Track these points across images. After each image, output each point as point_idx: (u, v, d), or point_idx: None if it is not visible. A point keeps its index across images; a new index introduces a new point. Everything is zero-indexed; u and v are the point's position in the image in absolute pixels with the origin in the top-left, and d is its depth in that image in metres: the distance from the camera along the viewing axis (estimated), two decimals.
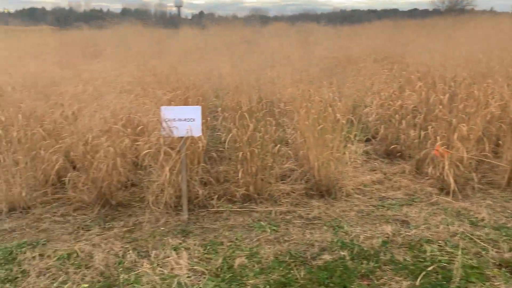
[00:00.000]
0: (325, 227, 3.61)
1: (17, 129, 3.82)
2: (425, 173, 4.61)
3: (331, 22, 20.44)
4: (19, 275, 2.97)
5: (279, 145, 4.07)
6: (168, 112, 3.61)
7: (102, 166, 3.63)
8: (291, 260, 3.12)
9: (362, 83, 5.07)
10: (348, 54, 7.52)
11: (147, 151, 3.62)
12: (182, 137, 3.66)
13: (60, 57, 5.41)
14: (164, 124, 3.61)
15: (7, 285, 2.86)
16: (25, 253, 3.24)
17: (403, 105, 5.13)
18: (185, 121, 3.65)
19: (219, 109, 4.03)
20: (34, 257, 3.16)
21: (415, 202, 4.11)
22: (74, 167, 4.09)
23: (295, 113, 4.23)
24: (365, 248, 3.26)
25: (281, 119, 4.39)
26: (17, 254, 3.23)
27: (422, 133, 4.69)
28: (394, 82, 5.38)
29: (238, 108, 3.87)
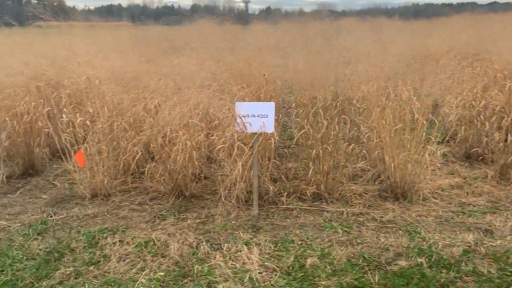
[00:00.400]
0: (400, 232, 3.47)
1: (102, 121, 4.05)
2: (511, 180, 4.28)
3: (404, 16, 19.60)
4: (101, 259, 3.15)
5: (353, 144, 3.96)
6: (243, 108, 3.64)
7: (179, 158, 3.74)
8: (365, 264, 3.03)
9: (442, 81, 4.78)
10: (426, 50, 7.15)
11: (222, 146, 3.67)
12: (255, 133, 3.68)
13: (141, 52, 5.66)
14: (238, 120, 3.64)
15: (91, 267, 3.04)
16: (106, 238, 3.43)
17: (488, 106, 4.78)
18: (258, 117, 3.66)
19: (293, 104, 3.98)
20: (114, 243, 3.34)
21: (500, 210, 3.82)
22: (152, 158, 4.27)
23: (371, 111, 4.10)
24: (445, 257, 3.08)
25: (356, 117, 4.27)
26: (99, 239, 3.43)
27: (510, 137, 4.35)
28: (477, 81, 5.02)
29: (312, 105, 3.81)
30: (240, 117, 3.63)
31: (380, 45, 5.82)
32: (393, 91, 4.04)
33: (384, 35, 7.79)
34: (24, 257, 3.17)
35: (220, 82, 4.31)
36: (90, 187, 4.18)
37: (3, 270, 3.01)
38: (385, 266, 3.00)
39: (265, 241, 3.35)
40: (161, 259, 3.13)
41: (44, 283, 2.87)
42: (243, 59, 4.66)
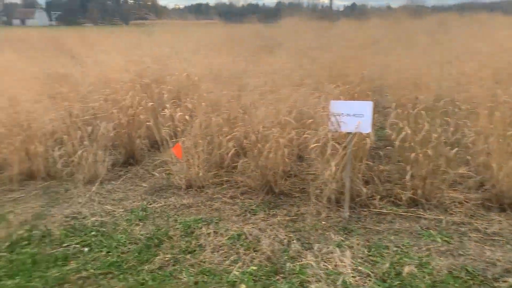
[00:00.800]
0: (508, 246, 3.18)
1: (199, 116, 4.21)
2: None
3: (508, 11, 17.96)
4: (197, 249, 3.28)
5: (456, 149, 3.70)
6: (338, 107, 3.57)
7: (271, 155, 3.77)
8: (468, 277, 2.82)
9: None
10: None
11: (315, 144, 3.64)
12: (349, 133, 3.59)
13: (235, 51, 5.80)
14: (332, 119, 3.58)
15: (188, 256, 3.18)
16: (201, 228, 3.57)
17: None
18: (354, 116, 3.56)
19: (393, 104, 3.82)
20: (209, 234, 3.46)
21: None
22: (244, 154, 4.36)
23: (478, 114, 3.80)
24: None
25: (461, 120, 3.99)
26: (194, 228, 3.58)
27: None
28: None
29: (413, 105, 3.62)
30: (334, 116, 3.56)
31: (488, 41, 5.36)
32: (504, 93, 3.70)
33: (486, 30, 7.20)
34: (128, 241, 3.40)
35: (315, 80, 4.27)
36: (185, 178, 4.38)
37: (109, 252, 3.26)
38: (492, 282, 2.77)
39: (358, 244, 3.26)
40: (254, 253, 3.18)
41: (145, 267, 3.06)
42: (338, 57, 4.57)
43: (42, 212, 3.93)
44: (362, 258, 3.09)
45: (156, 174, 4.72)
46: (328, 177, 3.67)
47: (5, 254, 3.22)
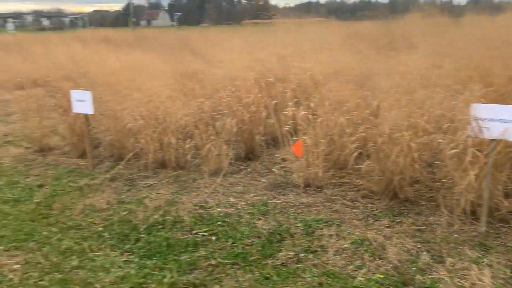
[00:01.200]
0: None
1: (322, 115, 4.18)
2: None
3: None
4: (319, 249, 3.25)
5: None
6: (481, 110, 3.25)
7: (399, 159, 3.58)
8: None
9: None
10: None
11: (453, 151, 3.36)
12: (493, 140, 3.25)
13: (358, 49, 5.66)
14: (473, 123, 3.27)
15: (310, 255, 3.17)
16: (322, 229, 3.54)
17: None
18: (499, 122, 3.21)
19: None
20: (331, 236, 3.41)
21: None
22: (367, 156, 4.22)
23: None
24: None
25: None
26: (315, 228, 3.55)
27: None
28: None
29: None
30: (476, 121, 3.26)
31: None
32: None
33: None
34: (251, 234, 3.50)
35: (454, 80, 3.96)
36: (304, 177, 4.38)
37: (235, 243, 3.39)
38: None
39: (498, 263, 2.95)
40: (379, 261, 3.05)
41: (269, 261, 3.11)
42: (477, 56, 4.18)
43: (173, 199, 4.23)
44: (504, 279, 2.78)
45: (275, 171, 4.79)
46: (465, 187, 3.37)
47: (143, 235, 3.53)
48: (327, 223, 3.63)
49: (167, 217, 3.82)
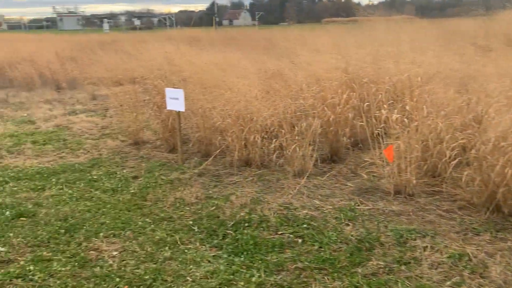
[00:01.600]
0: None
1: (419, 119, 3.96)
2: None
3: None
4: (412, 261, 3.08)
5: None
6: None
7: (506, 171, 3.28)
8: None
9: None
10: None
11: None
12: None
13: (455, 49, 5.29)
14: None
15: (402, 267, 3.01)
16: (414, 240, 3.35)
17: None
18: None
19: None
20: (425, 248, 3.22)
21: None
22: (467, 164, 3.93)
23: None
24: None
25: None
26: (407, 239, 3.37)
27: None
28: None
29: None
30: None
31: None
32: None
33: None
34: (338, 240, 3.41)
35: None
36: (394, 183, 4.19)
37: (321, 247, 3.33)
38: None
39: None
40: (481, 280, 2.82)
41: (358, 270, 3.01)
42: None
43: (258, 197, 4.27)
44: None
45: (363, 175, 4.64)
46: None
47: (231, 232, 3.60)
48: (420, 233, 3.43)
49: (253, 215, 3.86)
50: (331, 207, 4.01)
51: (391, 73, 5.06)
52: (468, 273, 2.89)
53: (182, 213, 4.01)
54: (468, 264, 2.99)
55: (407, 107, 4.05)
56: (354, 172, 4.94)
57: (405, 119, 3.98)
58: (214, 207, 4.08)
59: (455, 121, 3.88)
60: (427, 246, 3.22)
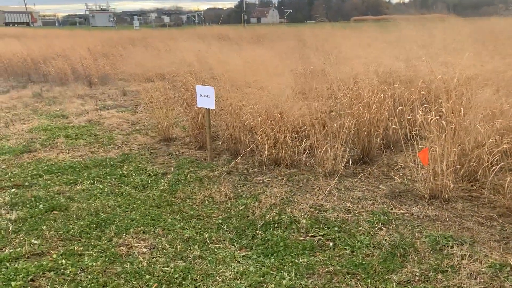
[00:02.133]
0: None
1: (455, 122, 3.81)
2: None
3: None
4: (449, 269, 2.96)
5: None
6: None
7: None
8: None
9: None
10: None
11: None
12: None
13: (497, 49, 5.06)
14: None
15: (439, 275, 2.89)
16: (452, 247, 3.22)
17: None
18: None
19: None
20: (463, 256, 3.08)
21: None
22: (509, 170, 3.75)
23: None
24: None
25: None
26: (444, 246, 3.25)
27: None
28: None
29: None
30: None
31: None
32: None
33: None
34: (371, 244, 3.31)
35: None
36: (429, 187, 4.05)
37: (353, 251, 3.24)
38: None
39: None
40: None
41: (393, 276, 2.91)
42: None
43: (288, 198, 4.21)
44: None
45: (396, 178, 4.51)
46: None
47: (260, 232, 3.55)
48: (457, 241, 3.30)
49: (282, 216, 3.80)
50: (363, 210, 3.91)
51: (426, 73, 4.90)
52: (510, 285, 2.75)
53: (211, 211, 3.99)
54: (510, 275, 2.85)
55: (443, 109, 3.89)
56: (386, 174, 4.81)
57: (443, 122, 3.82)
58: (243, 206, 4.04)
59: (497, 125, 3.71)
60: (465, 255, 3.09)
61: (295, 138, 5.08)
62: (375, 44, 6.79)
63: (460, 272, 2.92)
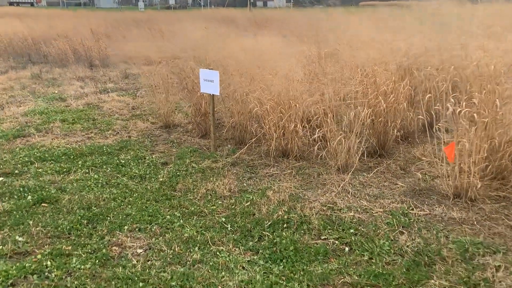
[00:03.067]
0: None
1: (488, 115, 3.42)
2: None
3: None
4: (481, 282, 2.61)
5: None
6: None
7: None
8: None
9: None
10: None
11: None
12: None
13: None
14: None
15: None
16: (483, 256, 2.87)
17: None
18: None
19: None
20: (497, 267, 2.73)
21: None
22: None
23: None
24: None
25: None
26: (474, 254, 2.89)
27: None
28: None
29: None
30: None
31: None
32: None
33: None
34: (392, 250, 2.97)
35: None
36: (454, 185, 3.68)
37: (372, 258, 2.89)
38: None
39: None
40: None
41: None
42: None
43: (297, 194, 3.86)
44: None
45: (417, 174, 4.13)
46: None
47: (268, 234, 3.21)
48: (489, 249, 2.94)
49: (292, 215, 3.45)
50: (381, 209, 3.55)
51: (456, 61, 4.46)
52: None
53: (214, 207, 3.65)
54: None
55: (475, 101, 3.49)
56: (404, 169, 4.44)
57: (475, 114, 3.43)
58: (248, 203, 3.70)
59: None
60: (499, 266, 2.74)
61: (305, 127, 4.70)
62: (392, 28, 6.32)
63: (495, 286, 2.57)
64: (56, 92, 8.60)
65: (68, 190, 4.03)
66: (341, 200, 3.72)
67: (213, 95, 4.88)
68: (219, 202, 3.74)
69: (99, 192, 3.97)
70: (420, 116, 4.32)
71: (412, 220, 3.35)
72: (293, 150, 4.68)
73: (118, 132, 5.94)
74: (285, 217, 3.42)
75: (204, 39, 6.18)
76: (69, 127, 6.15)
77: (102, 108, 7.30)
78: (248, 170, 4.48)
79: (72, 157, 4.92)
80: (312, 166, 4.51)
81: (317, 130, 4.38)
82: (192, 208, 3.63)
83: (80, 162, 4.74)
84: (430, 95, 4.05)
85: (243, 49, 5.31)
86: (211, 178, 4.23)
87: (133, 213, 3.57)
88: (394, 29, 5.97)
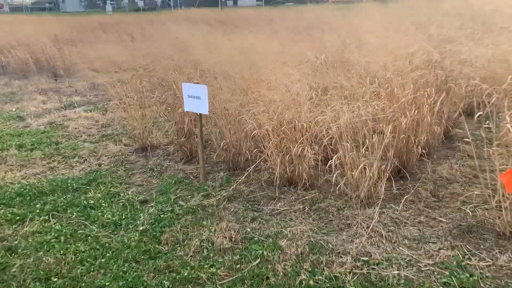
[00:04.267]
0: None
1: None
2: None
3: None
4: None
5: None
6: None
7: None
8: None
9: None
10: None
11: None
12: None
13: None
14: None
15: None
16: None
17: None
18: None
19: None
20: None
21: None
22: None
23: None
24: None
25: None
26: None
27: None
28: None
29: None
30: None
31: None
32: None
33: None
34: None
35: None
36: (509, 224, 2.94)
37: None
38: None
39: None
40: None
41: None
42: None
43: (318, 241, 3.04)
44: None
45: (467, 211, 3.36)
46: None
47: None
48: None
49: (318, 277, 2.63)
50: (429, 261, 2.77)
51: (475, 62, 3.73)
52: None
53: (213, 270, 2.79)
54: None
55: None
56: (435, 195, 3.68)
57: None
58: (258, 260, 2.86)
59: None
60: None
61: (314, 148, 3.88)
62: (384, 26, 5.58)
63: None
64: (14, 110, 7.53)
65: (20, 250, 3.10)
66: (376, 249, 2.92)
67: (200, 114, 4.01)
68: (219, 260, 2.89)
69: (62, 251, 3.07)
70: (449, 131, 3.54)
71: (476, 277, 2.58)
72: (301, 178, 3.86)
73: (86, 159, 4.99)
74: (311, 282, 2.60)
75: (187, 42, 5.28)
76: (27, 155, 5.16)
77: (67, 128, 6.31)
78: (250, 206, 3.64)
79: (28, 198, 3.97)
80: (326, 198, 3.70)
81: (334, 157, 3.54)
82: (185, 273, 2.76)
83: (38, 206, 3.80)
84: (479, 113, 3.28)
85: (233, 54, 4.47)
86: (205, 222, 3.38)
87: (106, 284, 2.68)
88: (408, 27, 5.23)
